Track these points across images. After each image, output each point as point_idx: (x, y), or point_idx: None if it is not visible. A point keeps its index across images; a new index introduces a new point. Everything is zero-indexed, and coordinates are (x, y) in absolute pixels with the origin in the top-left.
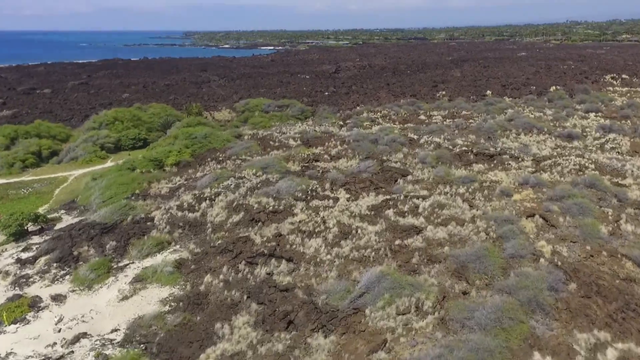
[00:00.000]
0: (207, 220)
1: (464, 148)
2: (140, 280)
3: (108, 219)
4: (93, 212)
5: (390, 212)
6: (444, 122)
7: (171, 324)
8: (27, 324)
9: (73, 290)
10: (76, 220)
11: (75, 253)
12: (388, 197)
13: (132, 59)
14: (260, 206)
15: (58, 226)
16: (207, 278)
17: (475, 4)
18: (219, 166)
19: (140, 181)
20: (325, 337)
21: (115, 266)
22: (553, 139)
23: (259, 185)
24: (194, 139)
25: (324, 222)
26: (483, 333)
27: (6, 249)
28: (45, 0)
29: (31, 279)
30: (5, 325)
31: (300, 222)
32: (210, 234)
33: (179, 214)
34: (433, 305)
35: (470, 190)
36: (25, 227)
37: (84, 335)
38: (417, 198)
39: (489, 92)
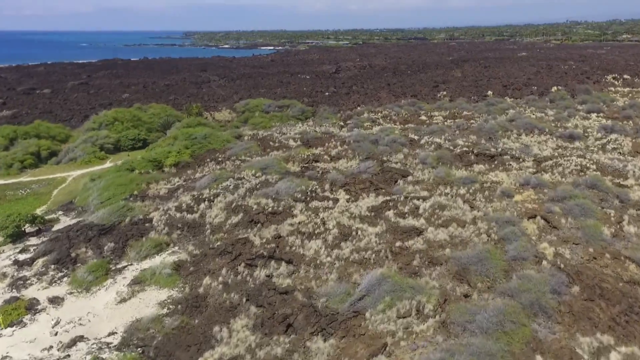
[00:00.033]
0: (206, 221)
1: (464, 149)
2: (139, 283)
3: (106, 220)
4: (91, 213)
5: (390, 213)
6: (445, 123)
7: (169, 327)
8: (24, 327)
9: (70, 293)
10: (74, 221)
11: (73, 255)
12: (388, 198)
13: (132, 59)
14: (259, 207)
15: (56, 227)
16: (206, 280)
17: (475, 4)
18: (218, 167)
19: (139, 182)
20: (325, 340)
21: (113, 268)
22: (554, 139)
23: (258, 186)
24: (194, 139)
25: (324, 224)
26: (485, 337)
27: (3, 251)
28: (45, 0)
29: (28, 281)
30: (2, 328)
31: (299, 223)
32: (209, 236)
33: (178, 215)
34: (434, 308)
35: (471, 191)
36: (23, 229)
37: (81, 338)
38: (418, 199)
39: (490, 92)
